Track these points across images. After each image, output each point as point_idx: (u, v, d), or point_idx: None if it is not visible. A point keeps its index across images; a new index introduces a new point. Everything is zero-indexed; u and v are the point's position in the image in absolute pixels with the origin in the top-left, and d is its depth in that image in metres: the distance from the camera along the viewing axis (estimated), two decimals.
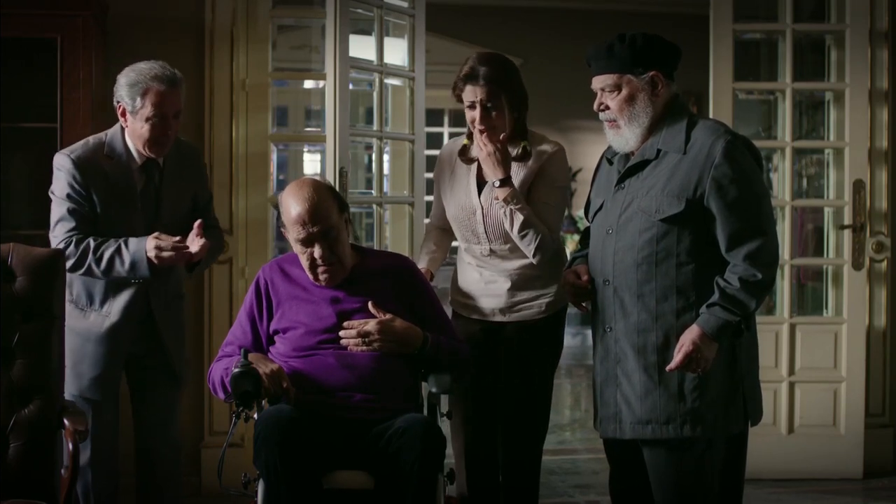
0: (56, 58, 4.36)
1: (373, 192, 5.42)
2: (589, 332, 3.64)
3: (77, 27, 4.36)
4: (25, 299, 3.25)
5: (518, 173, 3.64)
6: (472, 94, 3.59)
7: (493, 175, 3.58)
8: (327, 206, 3.35)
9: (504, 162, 3.56)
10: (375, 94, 5.00)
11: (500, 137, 3.58)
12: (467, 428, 3.75)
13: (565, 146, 3.80)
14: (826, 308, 5.30)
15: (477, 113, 3.58)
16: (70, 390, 3.51)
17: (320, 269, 3.38)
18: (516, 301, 3.68)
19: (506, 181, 3.55)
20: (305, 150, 7.87)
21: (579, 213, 10.74)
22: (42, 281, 3.28)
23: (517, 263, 3.68)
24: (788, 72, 5.11)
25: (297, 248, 3.41)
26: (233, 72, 4.78)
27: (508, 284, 3.68)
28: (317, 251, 3.35)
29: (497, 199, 3.57)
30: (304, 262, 3.40)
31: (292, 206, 3.35)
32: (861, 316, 5.12)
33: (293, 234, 3.37)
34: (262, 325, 3.47)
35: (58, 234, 3.59)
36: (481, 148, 3.58)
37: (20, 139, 4.45)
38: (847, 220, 5.09)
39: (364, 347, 3.33)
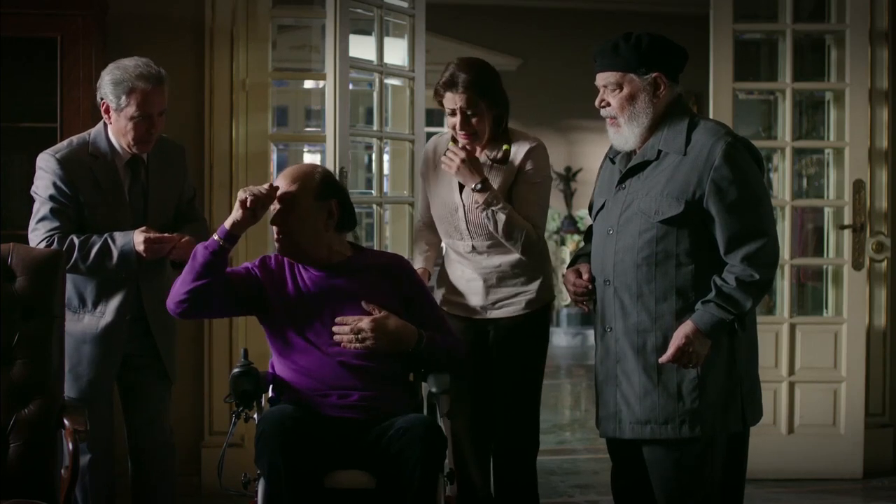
0: (56, 57, 4.36)
1: (373, 192, 5.42)
2: (589, 332, 3.66)
3: (77, 27, 4.36)
4: (25, 299, 3.25)
5: (500, 174, 3.68)
6: (451, 101, 3.64)
7: (469, 182, 3.62)
8: (301, 182, 3.37)
9: (476, 167, 3.61)
10: (375, 94, 5.00)
11: (465, 145, 3.64)
12: (458, 428, 3.77)
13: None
14: (826, 308, 5.30)
15: (458, 119, 3.63)
16: (69, 393, 3.50)
17: (274, 235, 3.40)
18: (497, 298, 3.73)
19: (484, 184, 3.59)
20: (305, 150, 7.86)
21: (579, 213, 10.73)
22: (42, 281, 3.28)
23: (497, 261, 3.71)
24: (788, 72, 5.11)
25: None
26: (233, 72, 4.78)
27: (489, 282, 3.72)
28: (272, 217, 3.39)
29: (478, 203, 3.60)
30: None
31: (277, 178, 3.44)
32: (861, 316, 5.12)
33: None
34: (248, 285, 3.43)
35: (39, 233, 3.57)
36: (450, 163, 3.62)
37: (20, 139, 4.44)
38: (847, 220, 5.09)
39: (357, 345, 3.33)
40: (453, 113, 3.65)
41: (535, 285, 3.73)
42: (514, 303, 3.72)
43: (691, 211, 3.11)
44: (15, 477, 3.12)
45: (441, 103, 3.69)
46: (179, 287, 3.33)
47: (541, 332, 3.79)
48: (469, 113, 3.63)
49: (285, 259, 3.47)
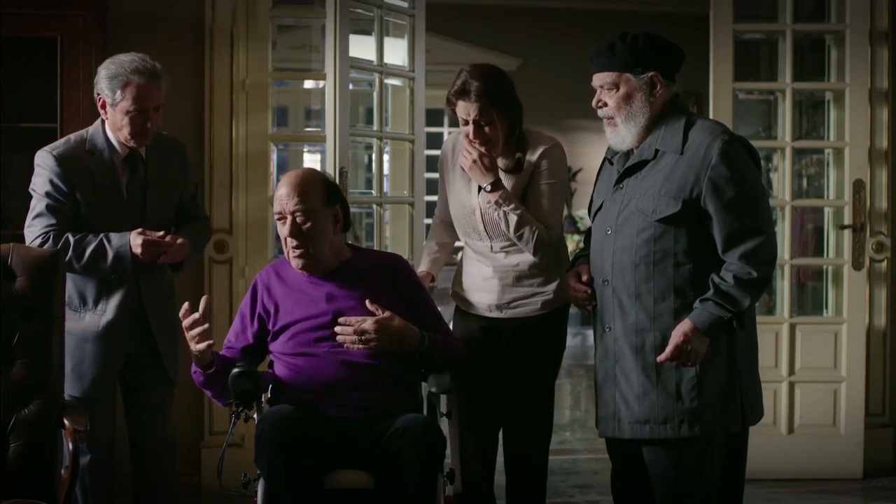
0: (56, 57, 4.36)
1: (373, 192, 5.42)
2: (589, 332, 3.65)
3: (77, 27, 4.36)
4: (25, 299, 3.25)
5: (514, 177, 3.65)
6: (464, 110, 3.59)
7: (482, 181, 3.60)
8: (311, 191, 3.36)
9: (490, 166, 3.58)
10: (375, 94, 5.00)
11: (479, 143, 3.60)
12: (462, 427, 3.77)
13: (565, 146, 3.81)
14: (826, 308, 5.30)
15: (471, 128, 3.59)
16: (72, 392, 3.51)
17: (290, 251, 3.38)
18: (512, 297, 3.69)
19: (495, 185, 3.57)
20: (305, 150, 7.86)
21: (579, 213, 10.73)
22: (42, 281, 3.28)
23: (515, 260, 3.68)
24: (788, 72, 5.11)
25: (279, 229, 3.42)
26: (233, 72, 4.78)
27: (506, 281, 3.69)
28: (285, 229, 3.35)
29: (489, 203, 3.58)
30: (283, 244, 3.42)
31: (280, 185, 3.40)
32: (861, 316, 5.12)
33: (275, 209, 3.39)
34: (254, 327, 3.47)
35: (35, 229, 3.57)
36: (465, 158, 3.61)
37: (20, 139, 4.44)
38: (847, 220, 5.09)
39: (360, 346, 3.33)
40: (466, 122, 3.61)
41: (552, 286, 3.68)
42: (529, 303, 3.68)
43: (689, 210, 3.11)
44: (15, 477, 3.12)
45: (454, 111, 3.63)
46: (218, 400, 3.47)
47: (555, 334, 3.74)
48: (482, 122, 3.58)
49: (272, 272, 3.49)
